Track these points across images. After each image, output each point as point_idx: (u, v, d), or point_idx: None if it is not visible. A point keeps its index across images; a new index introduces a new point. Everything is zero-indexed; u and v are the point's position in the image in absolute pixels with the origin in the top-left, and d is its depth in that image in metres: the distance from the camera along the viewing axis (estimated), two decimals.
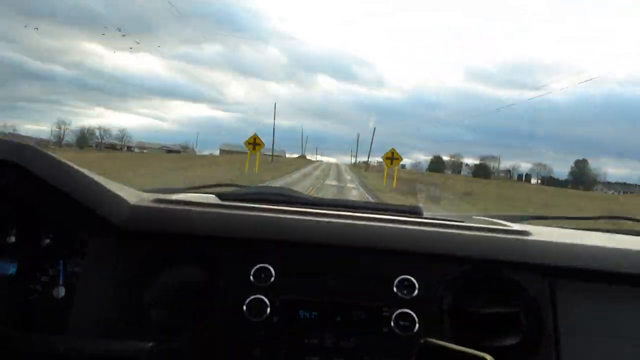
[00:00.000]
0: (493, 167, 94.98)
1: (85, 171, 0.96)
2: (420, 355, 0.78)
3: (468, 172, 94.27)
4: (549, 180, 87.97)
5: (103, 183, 0.97)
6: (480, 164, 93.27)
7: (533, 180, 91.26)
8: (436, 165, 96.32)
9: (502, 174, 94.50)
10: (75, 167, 0.95)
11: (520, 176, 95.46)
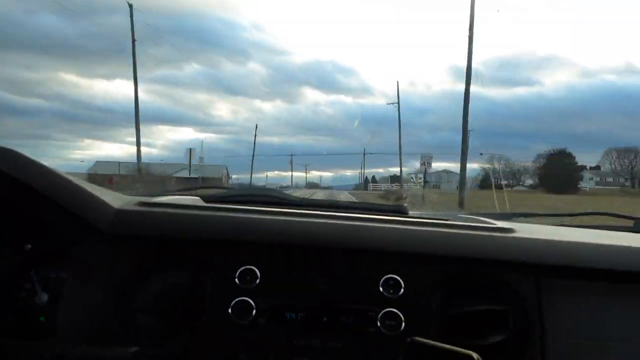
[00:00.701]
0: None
1: (68, 176, 0.95)
2: (407, 355, 0.78)
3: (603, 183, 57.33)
4: None
5: (86, 187, 0.96)
6: None
7: None
8: (562, 179, 44.94)
9: None
10: (58, 171, 0.94)
11: None
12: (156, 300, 0.92)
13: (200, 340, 0.91)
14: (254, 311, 0.91)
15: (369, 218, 1.05)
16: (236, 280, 0.94)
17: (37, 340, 0.90)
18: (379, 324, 0.91)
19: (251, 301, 0.92)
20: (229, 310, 0.91)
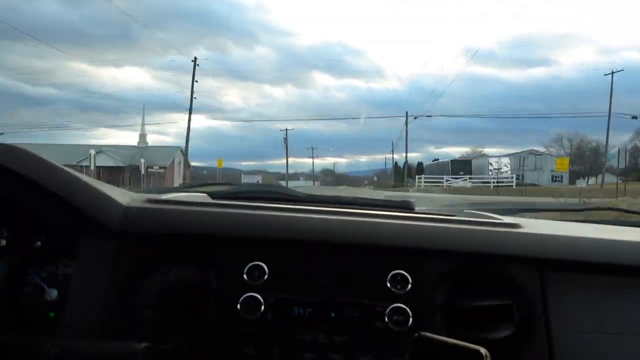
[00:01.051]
0: None
1: (76, 173, 0.96)
2: (415, 349, 0.79)
3: None
4: None
5: (95, 185, 0.97)
6: None
7: None
8: None
9: None
10: (66, 169, 0.95)
11: None
12: (165, 297, 0.93)
13: (209, 335, 0.92)
14: (262, 307, 0.92)
15: (376, 214, 1.06)
16: (244, 276, 0.94)
17: (45, 336, 0.91)
18: (386, 319, 0.92)
19: (259, 297, 0.92)
20: (238, 306, 0.92)
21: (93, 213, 0.94)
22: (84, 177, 0.96)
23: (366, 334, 0.92)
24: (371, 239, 0.98)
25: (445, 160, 53.06)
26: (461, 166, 44.58)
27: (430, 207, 1.50)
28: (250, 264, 0.95)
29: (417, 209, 1.25)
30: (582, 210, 1.72)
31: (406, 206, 1.25)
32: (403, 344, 0.88)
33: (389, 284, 0.94)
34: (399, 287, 0.94)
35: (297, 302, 0.93)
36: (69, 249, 0.98)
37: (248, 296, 0.92)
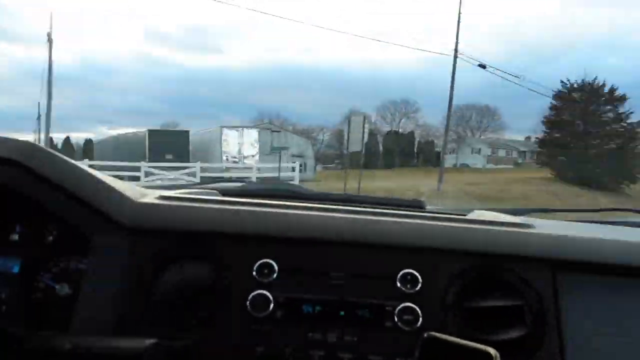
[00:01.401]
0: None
1: (89, 169, 0.97)
2: (424, 350, 0.79)
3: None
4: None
5: (107, 180, 0.98)
6: None
7: None
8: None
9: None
10: (79, 164, 0.96)
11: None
12: (174, 293, 0.93)
13: (218, 332, 0.92)
14: (272, 304, 0.92)
15: (386, 213, 1.05)
16: (254, 273, 0.94)
17: (57, 331, 0.91)
18: (396, 319, 0.91)
19: (269, 294, 0.92)
20: (247, 304, 0.92)
21: (105, 209, 0.95)
22: (96, 173, 0.97)
23: (376, 334, 0.92)
24: (381, 238, 0.98)
25: (138, 131, 25.94)
26: (168, 144, 22.00)
27: (441, 206, 1.50)
28: (260, 261, 0.95)
29: (428, 207, 1.25)
30: (597, 210, 1.71)
31: (417, 205, 1.24)
32: (413, 343, 0.87)
33: (398, 283, 0.94)
34: (408, 286, 0.93)
35: (307, 300, 0.93)
36: (82, 245, 0.99)
37: (257, 294, 0.92)
